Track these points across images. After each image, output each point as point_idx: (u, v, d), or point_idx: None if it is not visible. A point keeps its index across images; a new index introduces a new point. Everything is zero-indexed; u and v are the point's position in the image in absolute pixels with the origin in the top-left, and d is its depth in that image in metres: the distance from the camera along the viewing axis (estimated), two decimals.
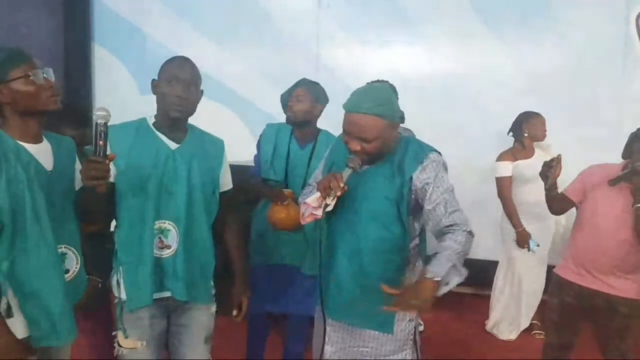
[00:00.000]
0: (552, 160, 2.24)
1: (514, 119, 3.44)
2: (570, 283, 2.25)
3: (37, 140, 1.52)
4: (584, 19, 3.94)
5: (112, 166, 1.61)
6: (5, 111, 1.47)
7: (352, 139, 1.61)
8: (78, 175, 1.60)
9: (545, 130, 3.34)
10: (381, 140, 1.59)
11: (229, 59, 4.54)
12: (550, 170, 2.23)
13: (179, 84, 1.65)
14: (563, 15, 3.99)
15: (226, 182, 1.91)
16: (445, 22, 4.22)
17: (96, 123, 1.40)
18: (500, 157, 3.42)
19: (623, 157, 2.20)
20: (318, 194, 1.62)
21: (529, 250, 3.32)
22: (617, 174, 2.10)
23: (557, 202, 2.35)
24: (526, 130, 3.34)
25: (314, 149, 2.44)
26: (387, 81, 1.70)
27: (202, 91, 1.77)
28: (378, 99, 1.58)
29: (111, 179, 1.63)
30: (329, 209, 1.62)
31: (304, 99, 2.40)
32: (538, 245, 3.29)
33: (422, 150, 1.68)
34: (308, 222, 1.69)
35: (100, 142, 1.39)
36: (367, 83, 1.73)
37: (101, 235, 1.93)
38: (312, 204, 1.64)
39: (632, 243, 2.08)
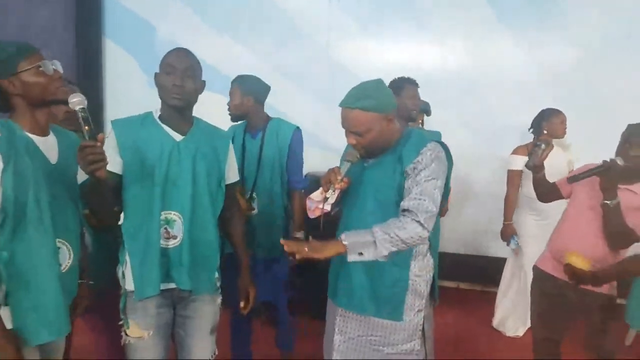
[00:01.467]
0: (542, 141, 2.23)
1: (526, 114, 3.42)
2: (548, 275, 2.26)
3: (44, 132, 1.54)
4: (595, 13, 3.92)
5: (118, 158, 1.67)
6: (15, 103, 1.49)
7: (347, 133, 1.70)
8: (81, 171, 1.60)
9: (565, 128, 3.32)
10: (374, 133, 1.66)
11: (239, 53, 4.56)
12: (537, 149, 2.23)
13: (175, 73, 1.68)
14: (573, 10, 3.96)
15: (232, 174, 1.94)
16: (457, 16, 4.21)
17: (75, 111, 1.42)
18: (515, 151, 3.44)
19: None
20: (321, 189, 1.71)
21: (508, 245, 3.42)
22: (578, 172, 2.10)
23: (544, 188, 2.36)
24: (545, 128, 3.32)
25: (263, 136, 2.55)
26: (380, 79, 1.75)
27: (204, 82, 1.79)
28: (362, 93, 1.65)
29: (118, 171, 1.68)
30: (331, 201, 1.70)
31: (234, 95, 2.55)
32: (518, 245, 3.37)
33: (422, 140, 1.72)
34: (316, 215, 1.75)
35: (86, 127, 1.40)
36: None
37: (102, 234, 1.95)
38: (316, 199, 1.73)
39: (600, 237, 2.09)
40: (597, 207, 2.09)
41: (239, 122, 2.65)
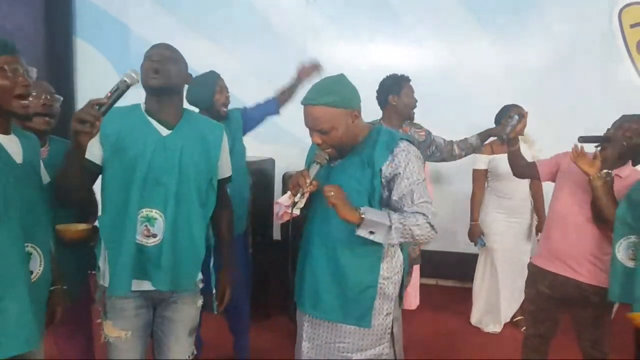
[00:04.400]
0: (515, 113, 2.19)
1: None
2: (544, 271, 2.26)
3: (5, 131, 1.46)
4: (569, 14, 4.01)
5: (99, 149, 1.63)
6: None
7: (311, 133, 1.64)
8: (44, 172, 1.59)
9: (525, 125, 3.33)
10: (340, 130, 1.60)
11: (214, 53, 4.49)
12: (509, 120, 2.18)
13: (154, 58, 1.65)
14: (549, 11, 4.05)
15: (225, 169, 1.87)
16: (433, 17, 4.26)
17: (121, 79, 1.43)
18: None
19: None
20: (289, 193, 1.64)
21: (475, 245, 3.45)
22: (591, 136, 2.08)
23: (519, 163, 2.32)
24: (501, 124, 3.34)
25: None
26: (342, 74, 1.70)
27: (189, 75, 1.77)
28: (325, 89, 1.60)
29: (95, 161, 1.64)
30: (300, 205, 1.64)
31: (223, 90, 2.59)
32: (484, 245, 3.41)
33: (393, 140, 1.67)
34: (284, 220, 1.70)
35: (109, 93, 1.42)
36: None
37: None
38: (285, 203, 1.68)
39: (593, 226, 2.10)
40: (582, 199, 2.11)
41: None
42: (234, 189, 2.56)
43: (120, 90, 1.41)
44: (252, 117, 2.74)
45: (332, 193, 1.54)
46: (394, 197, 1.63)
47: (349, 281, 1.69)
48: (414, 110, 3.53)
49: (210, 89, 2.53)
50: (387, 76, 2.83)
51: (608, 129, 2.12)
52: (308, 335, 1.77)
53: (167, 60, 1.65)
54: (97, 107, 1.39)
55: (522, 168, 2.38)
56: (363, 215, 1.53)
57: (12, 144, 1.46)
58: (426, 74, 4.21)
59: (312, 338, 1.76)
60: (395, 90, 2.76)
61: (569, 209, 2.18)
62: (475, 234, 3.42)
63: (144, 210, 1.65)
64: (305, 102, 1.62)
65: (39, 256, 1.49)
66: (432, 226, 1.59)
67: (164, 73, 1.64)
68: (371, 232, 1.54)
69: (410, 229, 1.55)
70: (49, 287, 1.58)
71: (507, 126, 2.21)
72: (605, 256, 2.11)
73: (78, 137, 1.39)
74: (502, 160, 3.28)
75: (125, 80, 1.41)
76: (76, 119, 1.36)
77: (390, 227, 1.54)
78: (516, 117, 2.17)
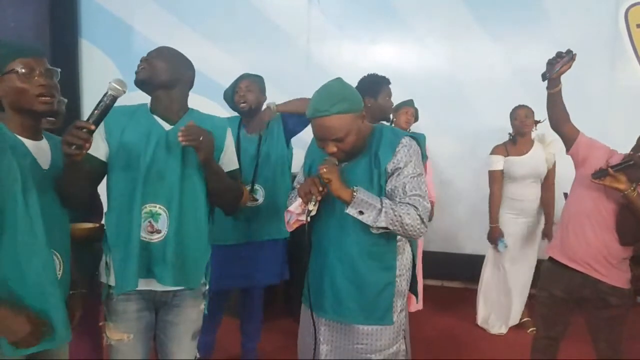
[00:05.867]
0: (568, 51, 2.01)
1: (505, 114, 3.41)
2: (560, 272, 2.20)
3: (35, 137, 1.48)
4: (574, 15, 3.98)
5: (104, 145, 1.62)
6: (3, 104, 1.44)
7: (325, 143, 1.63)
8: None
9: (526, 122, 3.26)
10: (353, 134, 1.61)
11: (217, 54, 4.51)
12: (557, 60, 2.02)
13: (146, 55, 1.68)
14: (553, 11, 4.02)
15: (230, 162, 1.83)
16: (436, 19, 4.25)
17: (106, 92, 1.39)
18: (493, 151, 3.42)
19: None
20: (300, 201, 1.64)
21: (495, 247, 3.36)
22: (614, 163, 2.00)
23: (558, 109, 2.18)
24: (512, 124, 3.34)
25: (261, 135, 2.58)
26: (340, 77, 1.67)
27: (189, 73, 1.76)
28: (334, 97, 1.58)
29: (100, 157, 1.63)
30: (313, 213, 1.62)
31: (254, 89, 2.56)
32: (506, 247, 3.31)
33: (397, 137, 1.69)
34: (295, 228, 1.70)
35: (96, 112, 1.38)
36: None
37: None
38: (295, 211, 1.66)
39: (612, 229, 2.07)
40: (601, 200, 2.07)
41: (229, 117, 2.64)
42: (280, 194, 2.57)
43: (105, 105, 1.38)
44: (291, 116, 2.68)
45: (325, 169, 1.56)
46: (387, 188, 1.65)
47: (369, 283, 1.70)
48: (417, 109, 3.53)
49: (230, 91, 2.63)
50: (366, 76, 2.69)
51: (629, 153, 2.05)
52: (326, 338, 1.77)
53: (156, 56, 1.67)
54: (84, 129, 1.35)
55: (561, 121, 2.22)
56: (355, 193, 1.55)
57: (41, 150, 1.48)
58: (429, 75, 4.22)
59: (330, 341, 1.76)
60: (373, 92, 2.62)
61: (588, 210, 2.13)
62: (495, 236, 3.34)
63: (147, 205, 1.64)
64: (317, 115, 1.59)
65: (59, 261, 1.49)
66: (422, 220, 1.59)
67: (148, 68, 1.66)
68: (360, 212, 1.56)
69: (400, 216, 1.56)
70: (67, 291, 1.58)
71: (557, 63, 2.02)
72: (621, 259, 2.09)
73: (69, 157, 1.37)
74: (515, 164, 3.29)
75: (110, 94, 1.39)
76: (64, 142, 1.34)
77: (380, 210, 1.56)
78: (565, 55, 1.99)
